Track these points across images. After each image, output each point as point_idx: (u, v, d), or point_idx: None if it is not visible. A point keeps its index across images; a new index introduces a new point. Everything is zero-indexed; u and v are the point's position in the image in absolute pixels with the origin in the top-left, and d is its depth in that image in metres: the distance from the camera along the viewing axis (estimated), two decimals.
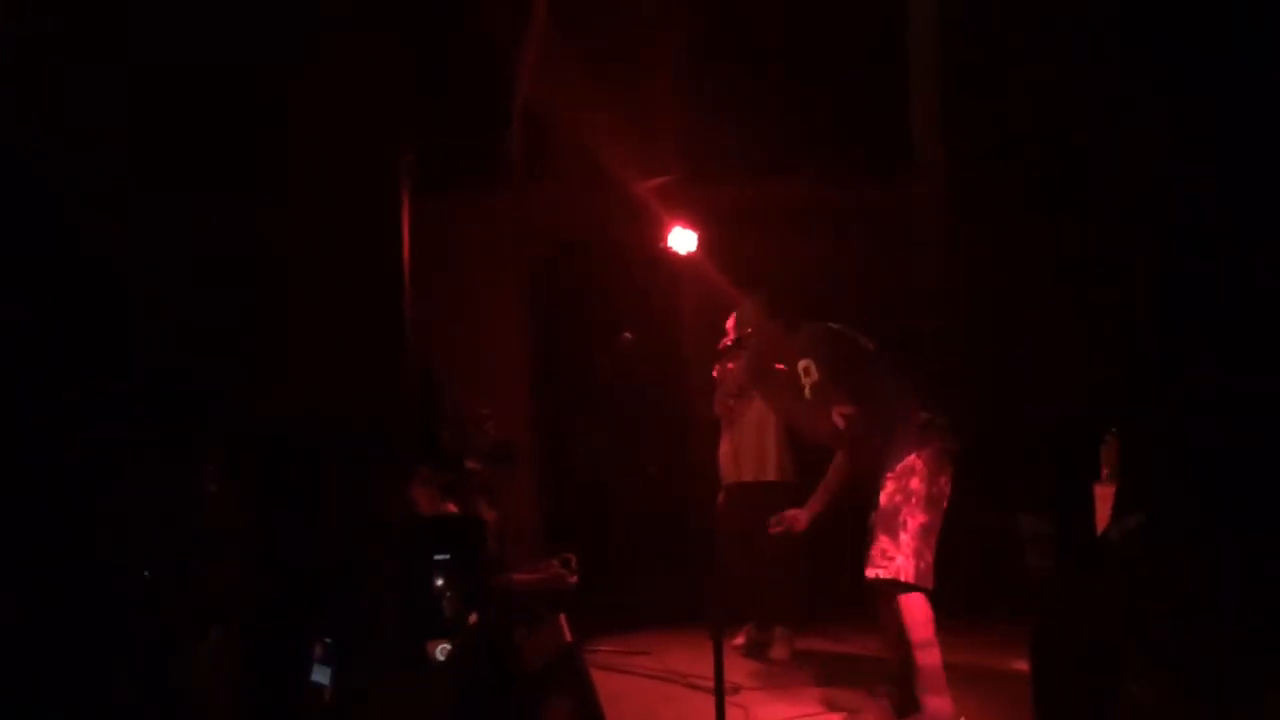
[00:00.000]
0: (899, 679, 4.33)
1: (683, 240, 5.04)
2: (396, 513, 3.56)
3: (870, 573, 4.13)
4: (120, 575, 2.08)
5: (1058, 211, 4.88)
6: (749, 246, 6.16)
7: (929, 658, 4.16)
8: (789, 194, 6.65)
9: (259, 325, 2.14)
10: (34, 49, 1.93)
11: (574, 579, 4.22)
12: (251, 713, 2.08)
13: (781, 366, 4.50)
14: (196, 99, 2.07)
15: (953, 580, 4.33)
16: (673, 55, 6.73)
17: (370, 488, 2.77)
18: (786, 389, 4.42)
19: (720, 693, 3.50)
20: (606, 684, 3.93)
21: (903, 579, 4.11)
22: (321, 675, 2.39)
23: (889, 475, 4.22)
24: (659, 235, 5.09)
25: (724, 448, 5.69)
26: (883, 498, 4.21)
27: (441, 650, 3.40)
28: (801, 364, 4.31)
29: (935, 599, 4.21)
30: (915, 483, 4.23)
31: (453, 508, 4.21)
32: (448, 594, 3.49)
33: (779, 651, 5.62)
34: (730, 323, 5.47)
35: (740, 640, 5.44)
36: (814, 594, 5.33)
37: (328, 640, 2.39)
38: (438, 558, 3.58)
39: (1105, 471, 4.42)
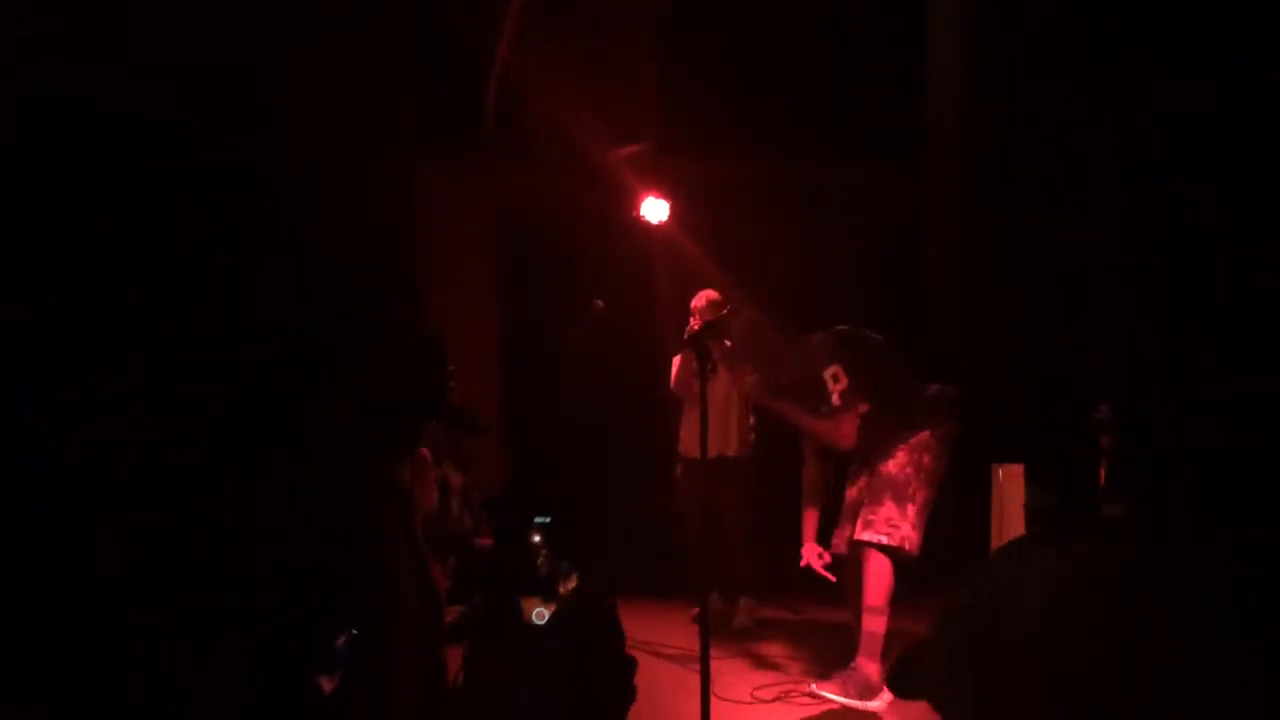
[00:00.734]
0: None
1: (655, 210, 5.05)
2: (407, 477, 3.56)
3: (873, 537, 4.18)
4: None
5: (1066, 202, 4.88)
6: (721, 222, 6.15)
7: (878, 624, 4.26)
8: (764, 168, 6.63)
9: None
10: (34, 48, 1.92)
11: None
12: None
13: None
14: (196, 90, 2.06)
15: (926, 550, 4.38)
16: (648, 25, 6.69)
17: (384, 451, 2.76)
18: (810, 399, 4.43)
19: (705, 660, 3.52)
20: None
21: (907, 548, 4.18)
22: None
23: (901, 446, 4.28)
24: (631, 204, 5.08)
25: (685, 423, 5.69)
26: (893, 466, 4.26)
27: (538, 613, 3.38)
28: (829, 371, 4.31)
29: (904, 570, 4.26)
30: (928, 459, 4.30)
31: (458, 477, 4.20)
32: (546, 556, 3.47)
33: (743, 619, 5.65)
34: (697, 304, 5.44)
35: (698, 611, 5.45)
36: (770, 565, 5.37)
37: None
38: (538, 519, 3.57)
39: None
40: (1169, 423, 3.11)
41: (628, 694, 3.68)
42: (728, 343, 4.56)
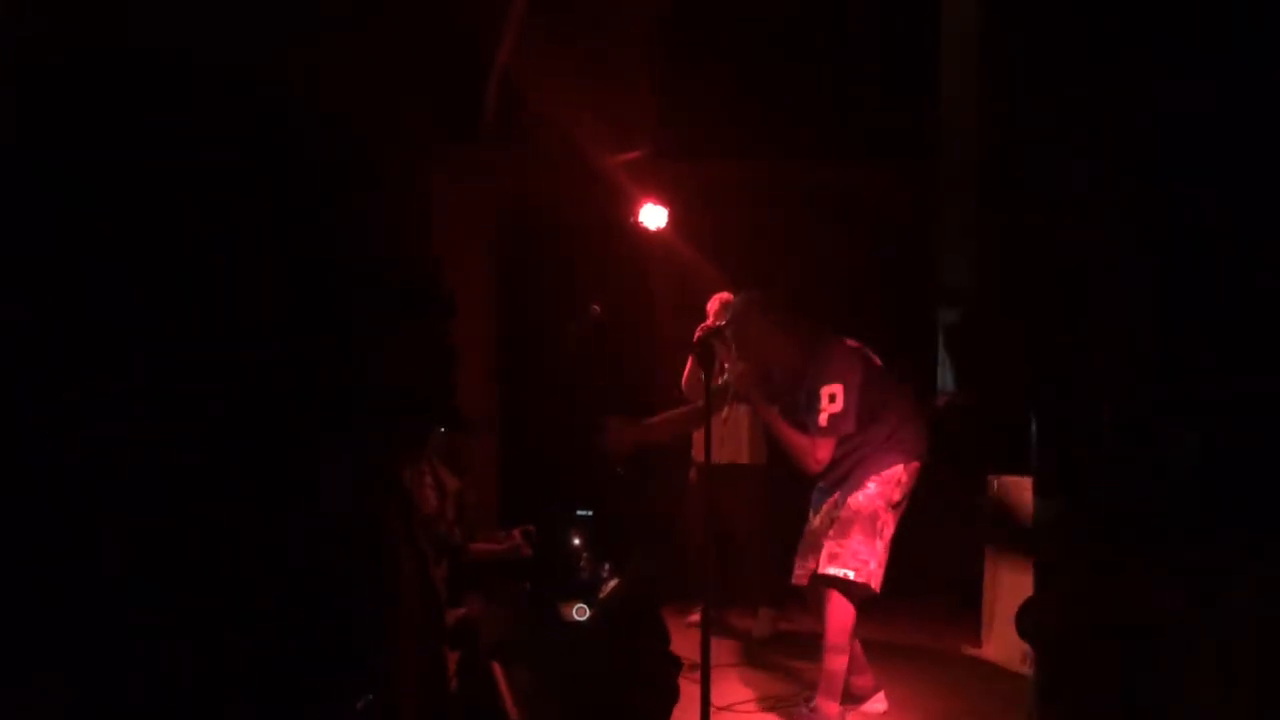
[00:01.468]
0: (850, 663, 4.34)
1: (653, 216, 5.05)
2: (412, 481, 3.53)
3: (839, 571, 4.12)
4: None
5: (1066, 202, 4.88)
6: (721, 223, 6.14)
7: (838, 663, 4.21)
8: (764, 168, 6.62)
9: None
10: (34, 46, 1.92)
11: (527, 551, 4.14)
12: None
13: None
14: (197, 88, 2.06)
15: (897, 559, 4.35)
16: (647, 25, 6.67)
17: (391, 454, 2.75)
18: (792, 405, 4.34)
19: (706, 671, 3.52)
20: None
21: (872, 585, 4.12)
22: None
23: (872, 476, 4.20)
24: (630, 210, 5.08)
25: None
26: (861, 497, 4.18)
27: (579, 610, 3.34)
28: (828, 390, 4.16)
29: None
30: (897, 494, 4.24)
31: (453, 480, 4.18)
32: (586, 553, 3.42)
33: (762, 630, 5.64)
34: (711, 306, 5.42)
35: (695, 617, 5.44)
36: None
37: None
38: (579, 513, 3.51)
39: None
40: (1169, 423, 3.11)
41: (670, 695, 3.62)
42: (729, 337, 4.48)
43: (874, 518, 4.16)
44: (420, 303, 2.62)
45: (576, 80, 5.90)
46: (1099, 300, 4.39)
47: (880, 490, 4.18)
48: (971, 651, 5.45)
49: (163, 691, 1.90)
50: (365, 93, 2.31)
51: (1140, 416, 3.24)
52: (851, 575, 4.10)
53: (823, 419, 4.12)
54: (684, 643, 4.13)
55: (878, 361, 4.33)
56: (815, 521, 4.34)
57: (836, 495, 4.24)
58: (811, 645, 4.86)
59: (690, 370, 5.57)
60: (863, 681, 4.49)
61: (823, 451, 4.14)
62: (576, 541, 3.45)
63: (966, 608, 5.62)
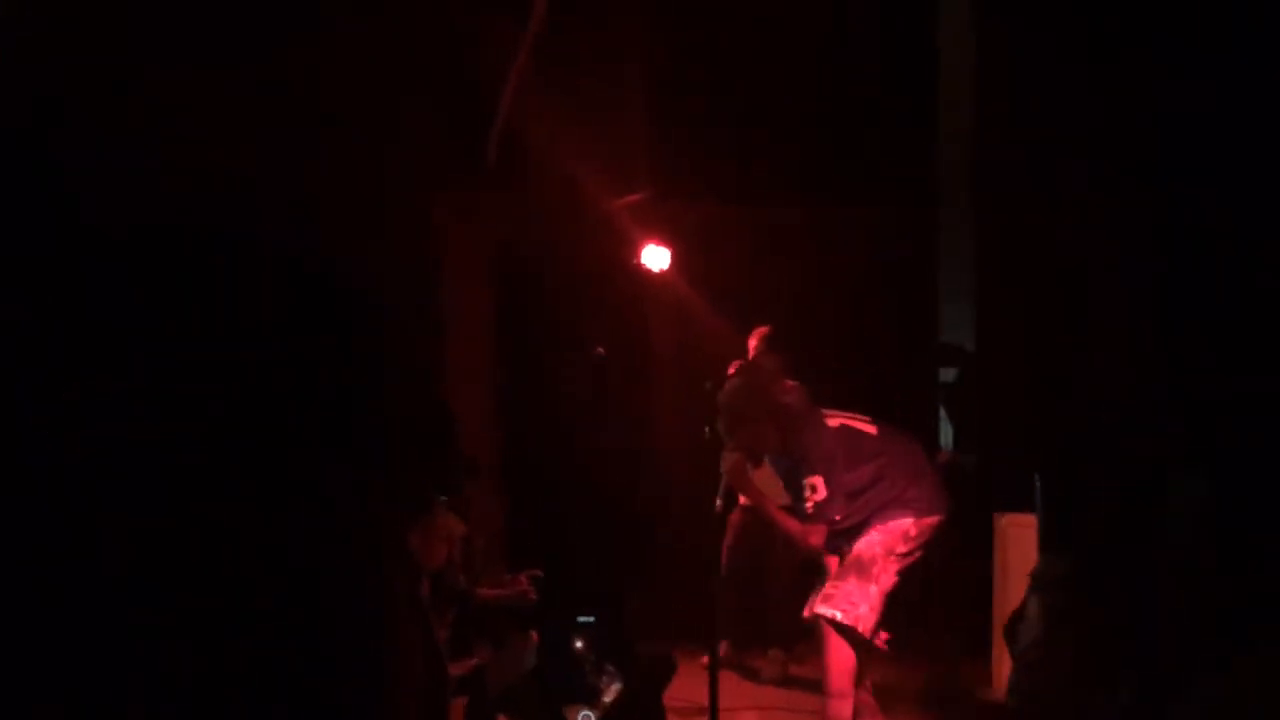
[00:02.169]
0: (859, 709, 4.35)
1: (656, 258, 5.08)
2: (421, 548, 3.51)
3: (827, 611, 4.16)
4: None
5: (1066, 202, 4.88)
6: (720, 266, 6.17)
7: (842, 709, 4.25)
8: (764, 210, 6.66)
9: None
10: (34, 45, 1.92)
11: (534, 596, 4.16)
12: None
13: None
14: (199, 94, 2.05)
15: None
16: (642, 68, 6.71)
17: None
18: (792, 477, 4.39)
19: (714, 711, 3.52)
20: None
21: (860, 629, 4.15)
22: None
23: (876, 525, 4.26)
24: (631, 252, 5.12)
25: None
26: (863, 544, 4.25)
27: (584, 717, 3.36)
28: (810, 480, 4.26)
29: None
30: (902, 546, 4.28)
31: (459, 526, 4.19)
32: (590, 659, 3.44)
33: (772, 671, 5.66)
34: (751, 342, 5.46)
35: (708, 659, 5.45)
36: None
37: None
38: (581, 620, 3.53)
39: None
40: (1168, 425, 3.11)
41: None
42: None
43: (871, 564, 4.21)
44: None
45: (576, 125, 5.92)
46: (1099, 300, 4.40)
47: (883, 539, 4.25)
48: (983, 695, 5.45)
49: (163, 691, 1.89)
50: (375, 117, 2.31)
51: (1146, 471, 3.24)
52: (839, 616, 4.15)
53: (809, 507, 4.28)
54: (700, 686, 4.08)
55: (871, 429, 4.38)
56: (832, 563, 4.42)
57: (847, 545, 4.33)
58: (800, 686, 4.87)
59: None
60: None
61: (815, 537, 4.30)
62: (579, 645, 3.47)
63: (976, 650, 5.61)
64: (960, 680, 5.51)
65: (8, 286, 1.87)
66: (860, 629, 4.20)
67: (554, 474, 6.30)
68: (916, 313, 6.61)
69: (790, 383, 4.95)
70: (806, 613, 4.42)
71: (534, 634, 4.11)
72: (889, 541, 4.29)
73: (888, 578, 4.29)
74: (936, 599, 5.33)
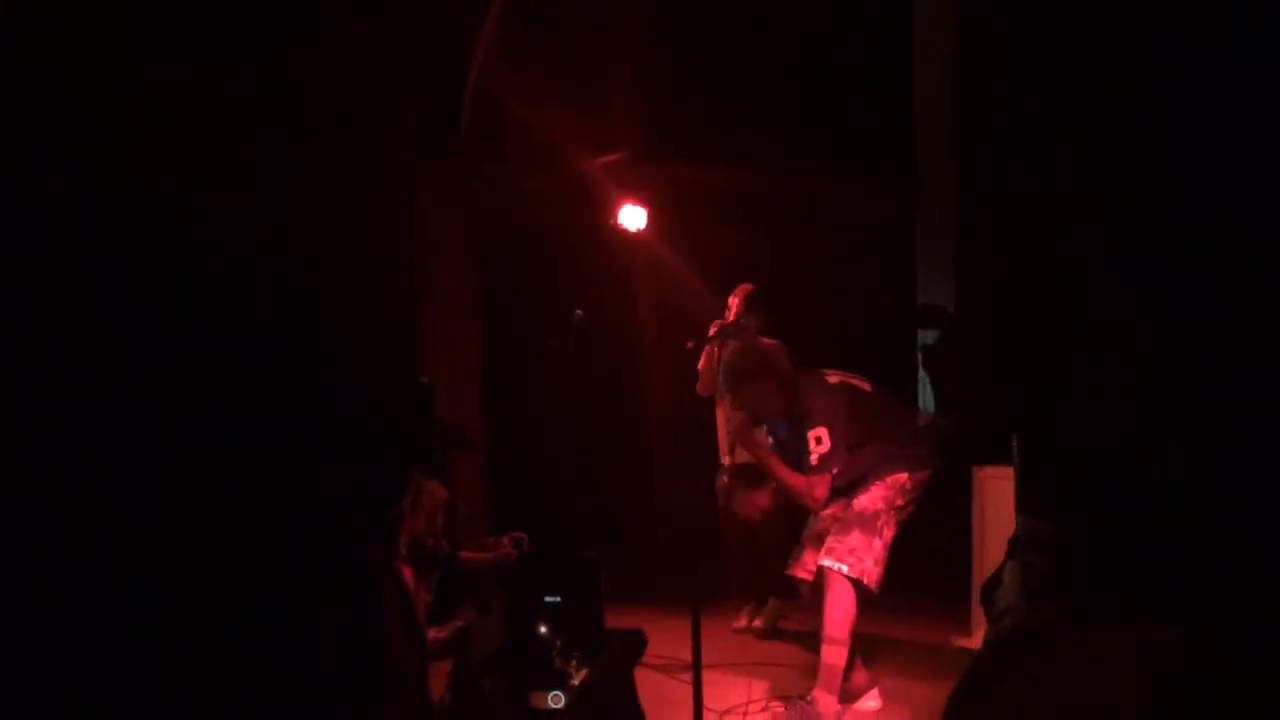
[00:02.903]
0: (850, 661, 4.40)
1: (633, 217, 5.07)
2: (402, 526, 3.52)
3: (833, 564, 4.19)
4: None
5: (1066, 202, 4.87)
6: (703, 223, 6.16)
7: (837, 656, 4.30)
8: (745, 172, 6.65)
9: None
10: (34, 44, 1.92)
11: (514, 554, 4.15)
12: None
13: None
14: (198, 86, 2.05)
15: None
16: (624, 29, 6.68)
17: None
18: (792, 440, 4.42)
19: (698, 669, 3.53)
20: None
21: (866, 582, 4.18)
22: None
23: (876, 481, 4.30)
24: (609, 213, 5.11)
25: (721, 428, 5.69)
26: (864, 498, 4.29)
27: (553, 698, 3.35)
28: (814, 432, 4.30)
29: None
30: (900, 500, 4.33)
31: (442, 491, 4.20)
32: (558, 641, 3.42)
33: (768, 622, 5.69)
34: (733, 300, 5.46)
35: (741, 623, 5.50)
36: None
37: None
38: (548, 599, 3.51)
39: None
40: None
41: None
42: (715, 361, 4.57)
43: (875, 518, 4.25)
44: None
45: (552, 85, 5.92)
46: (1099, 300, 4.39)
47: (884, 493, 4.28)
48: (961, 643, 5.49)
49: (163, 691, 1.90)
50: (364, 96, 2.31)
51: (1128, 435, 3.24)
52: (845, 570, 4.19)
53: (813, 459, 4.31)
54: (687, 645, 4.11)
55: (866, 387, 4.43)
56: (816, 524, 4.42)
57: (844, 500, 4.35)
58: (810, 643, 4.88)
59: (705, 363, 5.61)
60: (857, 679, 4.55)
61: (819, 490, 4.32)
62: (544, 630, 3.44)
63: (955, 600, 5.67)
64: (939, 629, 5.53)
65: (8, 286, 1.87)
66: (866, 581, 4.27)
67: (537, 442, 6.31)
68: (894, 276, 6.62)
69: (771, 342, 5.01)
70: (794, 570, 4.44)
71: (520, 539, 4.11)
72: (889, 495, 4.37)
73: (889, 531, 4.38)
74: (918, 552, 5.37)
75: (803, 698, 4.38)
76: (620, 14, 6.69)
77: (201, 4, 2.09)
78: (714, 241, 6.24)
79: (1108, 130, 4.30)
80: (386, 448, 2.39)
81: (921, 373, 6.42)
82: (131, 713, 1.89)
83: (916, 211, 6.62)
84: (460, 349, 6.30)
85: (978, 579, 5.48)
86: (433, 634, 3.85)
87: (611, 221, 5.18)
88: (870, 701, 4.54)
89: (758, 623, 5.80)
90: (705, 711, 3.73)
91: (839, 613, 4.27)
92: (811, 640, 4.88)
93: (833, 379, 4.48)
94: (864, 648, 4.79)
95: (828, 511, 4.50)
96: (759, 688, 4.90)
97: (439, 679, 3.67)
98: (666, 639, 4.85)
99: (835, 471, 4.28)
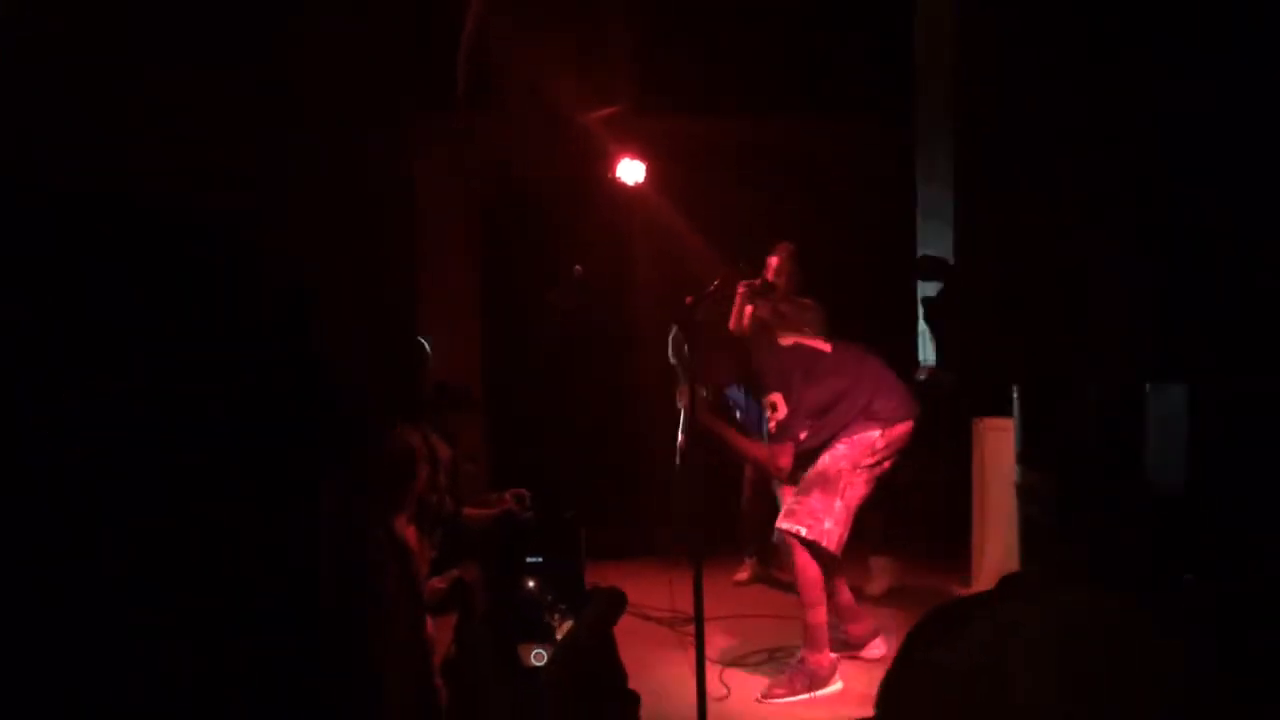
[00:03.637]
0: (841, 613, 4.40)
1: (631, 170, 5.03)
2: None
3: (791, 526, 4.17)
4: None
5: (1066, 202, 4.88)
6: (702, 178, 6.12)
7: (817, 615, 4.27)
8: (745, 125, 6.60)
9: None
10: (34, 44, 1.92)
11: (529, 514, 4.16)
12: None
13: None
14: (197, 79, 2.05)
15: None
16: None
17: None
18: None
19: (700, 622, 3.53)
20: None
21: (824, 544, 4.15)
22: None
23: (842, 438, 4.23)
24: (607, 166, 5.07)
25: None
26: (827, 457, 4.23)
27: (537, 655, 3.36)
28: (768, 399, 4.28)
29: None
30: (869, 459, 4.27)
31: (445, 449, 4.21)
32: (545, 598, 3.44)
33: (748, 576, 5.69)
34: (775, 258, 5.44)
35: (744, 575, 5.52)
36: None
37: None
38: (530, 559, 3.53)
39: None
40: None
41: None
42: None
43: (837, 478, 4.20)
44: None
45: (549, 39, 5.89)
46: (1099, 300, 4.40)
47: (848, 452, 4.23)
48: (962, 592, 5.49)
49: (163, 691, 1.90)
50: (358, 73, 2.31)
51: (1123, 388, 3.24)
52: (803, 532, 4.15)
53: (771, 426, 4.25)
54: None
55: (825, 347, 4.38)
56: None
57: (810, 457, 4.32)
58: (788, 595, 4.90)
59: (735, 321, 5.52)
60: (859, 629, 4.55)
61: (782, 458, 4.26)
62: (531, 585, 3.47)
63: (955, 549, 5.66)
64: (941, 578, 5.53)
65: (8, 286, 1.87)
66: (824, 544, 4.15)
67: (536, 403, 6.30)
68: (894, 228, 6.57)
69: (807, 300, 5.06)
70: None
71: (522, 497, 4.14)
72: (854, 455, 4.25)
73: (854, 490, 4.25)
74: (919, 501, 5.36)
75: (796, 656, 4.39)
76: None
77: (201, 4, 2.09)
78: (712, 193, 6.19)
79: (1108, 130, 4.31)
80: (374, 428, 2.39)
81: (922, 325, 6.38)
82: (132, 713, 1.89)
83: (916, 162, 6.58)
84: (457, 307, 6.29)
85: (977, 529, 5.48)
86: (433, 584, 3.89)
87: (609, 175, 5.12)
88: (875, 650, 4.54)
89: (744, 573, 5.82)
90: (708, 664, 3.74)
91: (806, 577, 4.23)
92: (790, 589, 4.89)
93: (786, 341, 4.42)
94: (865, 598, 4.83)
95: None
96: (761, 639, 4.90)
97: (445, 633, 3.68)
98: (669, 592, 4.83)
99: (803, 437, 4.20)
